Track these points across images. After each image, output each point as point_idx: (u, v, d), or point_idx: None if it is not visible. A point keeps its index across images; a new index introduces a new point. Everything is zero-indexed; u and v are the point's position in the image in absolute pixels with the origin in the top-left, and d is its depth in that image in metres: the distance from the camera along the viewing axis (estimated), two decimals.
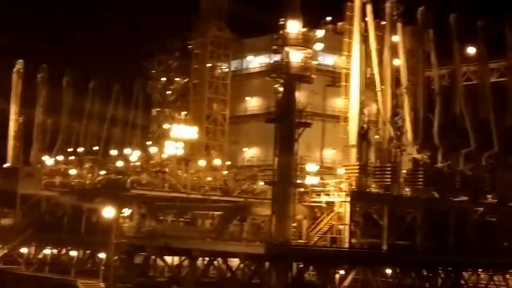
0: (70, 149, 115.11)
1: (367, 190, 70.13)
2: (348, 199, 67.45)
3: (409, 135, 76.08)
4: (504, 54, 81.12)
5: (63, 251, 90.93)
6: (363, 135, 73.44)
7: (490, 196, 77.29)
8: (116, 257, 68.08)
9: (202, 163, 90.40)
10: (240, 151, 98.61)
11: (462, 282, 76.24)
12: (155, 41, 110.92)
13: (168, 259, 78.45)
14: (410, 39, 78.37)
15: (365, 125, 74.66)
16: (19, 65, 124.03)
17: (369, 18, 74.73)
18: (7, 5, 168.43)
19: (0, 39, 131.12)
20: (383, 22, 77.41)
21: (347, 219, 67.17)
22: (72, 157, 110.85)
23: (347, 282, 66.63)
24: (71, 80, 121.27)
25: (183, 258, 74.19)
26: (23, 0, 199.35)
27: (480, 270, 79.00)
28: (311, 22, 74.79)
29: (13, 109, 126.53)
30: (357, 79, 73.54)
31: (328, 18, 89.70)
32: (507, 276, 79.17)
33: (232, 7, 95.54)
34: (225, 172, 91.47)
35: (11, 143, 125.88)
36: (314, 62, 71.32)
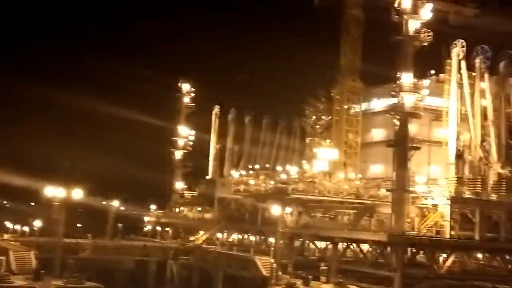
0: (250, 166, 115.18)
1: (463, 196, 68.28)
2: (449, 202, 67.43)
3: (494, 155, 72.95)
4: None
5: (245, 236, 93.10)
6: (459, 156, 73.49)
7: None
8: (281, 241, 66.13)
9: (341, 175, 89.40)
10: (368, 167, 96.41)
11: None
12: (308, 91, 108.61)
13: (318, 243, 77.89)
14: (494, 85, 74.39)
15: (460, 148, 73.92)
16: (216, 109, 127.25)
17: (463, 71, 72.50)
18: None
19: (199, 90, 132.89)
20: (474, 73, 73.70)
21: (448, 217, 66.94)
22: (251, 172, 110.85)
23: (448, 262, 64.08)
24: (251, 118, 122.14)
25: (328, 243, 72.36)
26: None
27: None
28: (420, 74, 72.86)
29: (213, 139, 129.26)
30: (455, 115, 73.05)
31: (432, 71, 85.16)
32: None
33: (362, 64, 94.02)
34: (357, 182, 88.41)
35: (211, 162, 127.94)
36: (422, 103, 69.39)
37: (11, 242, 69.51)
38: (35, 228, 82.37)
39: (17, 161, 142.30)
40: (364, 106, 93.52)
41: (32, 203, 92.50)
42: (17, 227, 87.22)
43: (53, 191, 62.78)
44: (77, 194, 64.70)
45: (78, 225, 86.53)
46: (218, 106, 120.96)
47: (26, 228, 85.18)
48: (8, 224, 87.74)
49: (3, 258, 58.33)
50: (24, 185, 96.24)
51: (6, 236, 77.35)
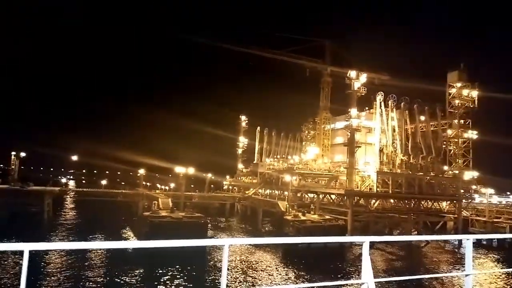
0: (275, 157, 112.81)
1: (383, 171, 65.16)
2: (376, 174, 63.32)
3: (399, 150, 67.53)
4: None
5: (273, 191, 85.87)
6: (380, 150, 68.29)
7: None
8: (291, 194, 64.96)
9: (320, 161, 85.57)
10: (334, 157, 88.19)
11: None
12: (304, 118, 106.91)
13: (310, 195, 74.13)
14: (398, 114, 72.42)
15: (381, 147, 68.81)
16: (258, 128, 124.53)
17: (383, 107, 68.71)
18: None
19: None
20: (388, 108, 73.40)
21: (375, 182, 62.81)
22: (275, 159, 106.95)
23: (375, 205, 62.72)
24: (275, 132, 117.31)
25: (314, 194, 70.27)
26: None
27: None
28: (360, 109, 73.54)
29: (256, 143, 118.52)
30: (378, 130, 70.78)
31: (366, 108, 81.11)
32: None
33: (331, 104, 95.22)
34: (328, 164, 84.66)
35: (256, 155, 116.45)
36: (361, 124, 70.28)
37: (160, 194, 69.61)
38: (171, 187, 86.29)
39: (162, 154, 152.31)
40: (332, 125, 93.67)
41: (170, 175, 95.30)
42: (162, 187, 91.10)
43: (179, 169, 63.57)
44: (191, 170, 65.11)
45: (192, 186, 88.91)
46: (259, 126, 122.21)
47: (166, 187, 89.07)
48: (158, 185, 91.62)
49: (155, 202, 60.22)
50: (165, 166, 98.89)
51: (157, 191, 79.15)
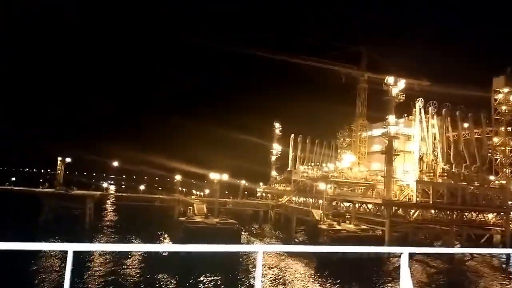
0: (309, 164, 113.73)
1: (423, 179, 63.86)
2: (415, 183, 62.05)
3: (439, 158, 66.41)
4: None
5: (307, 199, 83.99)
6: (420, 158, 67.35)
7: None
8: (325, 202, 64.27)
9: (356, 169, 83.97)
10: (371, 165, 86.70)
11: None
12: (340, 125, 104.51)
13: (345, 204, 72.25)
14: (439, 121, 70.17)
15: (421, 155, 67.74)
16: (292, 136, 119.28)
17: (422, 114, 67.73)
18: None
19: None
20: (428, 115, 71.20)
21: (414, 191, 61.16)
22: (310, 166, 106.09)
23: (414, 215, 60.74)
24: (310, 139, 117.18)
25: (350, 203, 68.53)
26: None
27: None
28: (399, 116, 71.87)
29: (290, 150, 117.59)
30: (418, 137, 68.80)
31: (405, 115, 78.52)
32: None
33: (367, 111, 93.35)
34: (365, 172, 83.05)
35: (290, 162, 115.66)
36: (400, 131, 68.38)
37: (195, 200, 70.73)
38: (206, 193, 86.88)
39: (197, 160, 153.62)
40: (368, 133, 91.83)
41: (205, 181, 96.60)
42: (198, 193, 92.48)
43: (213, 175, 63.82)
44: (225, 177, 65.42)
45: (226, 192, 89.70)
46: (293, 133, 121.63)
47: (202, 193, 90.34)
48: (194, 191, 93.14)
49: (191, 207, 61.48)
50: (201, 172, 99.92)
51: (193, 197, 79.84)
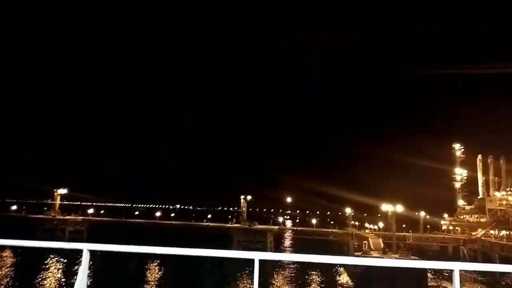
0: (508, 189, 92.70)
1: None
2: None
3: None
4: None
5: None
6: None
7: None
8: None
9: None
10: None
11: None
12: None
13: None
14: None
15: None
16: (479, 157, 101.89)
17: None
18: None
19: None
20: None
21: None
22: (509, 192, 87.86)
23: None
24: (504, 159, 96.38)
25: None
26: None
27: None
28: None
29: (479, 175, 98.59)
30: None
31: None
32: None
33: None
34: None
35: (480, 188, 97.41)
36: None
37: (369, 234, 69.95)
38: (380, 227, 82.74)
39: (367, 189, 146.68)
40: None
41: (379, 215, 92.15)
42: (371, 226, 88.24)
43: (386, 206, 61.73)
44: (399, 208, 61.50)
45: (403, 225, 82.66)
46: (480, 154, 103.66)
47: (375, 226, 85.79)
48: (366, 224, 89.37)
49: (365, 242, 60.02)
50: (371, 203, 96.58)
51: (366, 231, 78.78)
